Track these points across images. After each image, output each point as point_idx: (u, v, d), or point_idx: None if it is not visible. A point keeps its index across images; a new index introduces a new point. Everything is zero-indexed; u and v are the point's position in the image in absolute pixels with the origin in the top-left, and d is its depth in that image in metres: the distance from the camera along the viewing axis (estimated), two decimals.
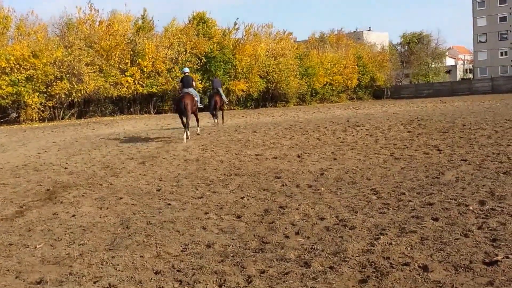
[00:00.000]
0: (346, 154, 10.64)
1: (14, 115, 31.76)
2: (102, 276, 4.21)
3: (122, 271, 4.32)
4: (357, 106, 37.33)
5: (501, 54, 73.44)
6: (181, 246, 4.92)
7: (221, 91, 20.84)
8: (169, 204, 6.77)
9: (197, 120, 16.49)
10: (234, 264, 4.31)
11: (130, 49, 35.56)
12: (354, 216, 5.61)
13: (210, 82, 25.82)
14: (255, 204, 6.58)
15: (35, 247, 5.13)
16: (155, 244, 4.99)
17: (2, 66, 28.91)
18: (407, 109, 27.49)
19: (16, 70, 29.29)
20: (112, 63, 34.06)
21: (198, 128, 16.46)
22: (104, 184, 8.57)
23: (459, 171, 8.01)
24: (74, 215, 6.43)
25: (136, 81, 35.05)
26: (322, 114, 27.09)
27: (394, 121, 17.72)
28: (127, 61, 35.02)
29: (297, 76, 44.34)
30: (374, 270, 4.00)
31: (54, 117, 32.14)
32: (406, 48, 72.76)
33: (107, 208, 6.74)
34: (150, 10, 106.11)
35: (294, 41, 49.68)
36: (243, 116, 28.42)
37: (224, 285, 3.89)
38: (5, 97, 29.27)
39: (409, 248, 4.43)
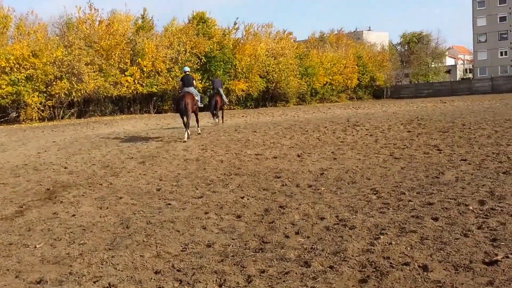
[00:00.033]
0: (346, 154, 10.64)
1: (14, 114, 31.77)
2: (102, 275, 4.21)
3: (122, 270, 4.32)
4: (357, 105, 37.33)
5: (501, 54, 73.43)
6: (181, 246, 4.92)
7: (221, 91, 20.85)
8: (169, 204, 6.77)
9: (197, 120, 16.47)
10: (234, 264, 4.31)
11: (130, 49, 35.57)
12: (354, 216, 5.61)
13: (211, 82, 25.80)
14: (255, 203, 6.58)
15: (35, 247, 5.13)
16: (155, 244, 4.99)
17: (2, 65, 28.92)
18: (407, 108, 27.49)
19: (16, 70, 29.29)
20: (112, 63, 34.07)
21: (199, 129, 16.45)
22: (104, 184, 8.57)
23: (459, 170, 8.01)
24: (74, 215, 6.43)
25: (136, 81, 35.06)
26: (322, 113, 27.09)
27: (394, 120, 17.72)
28: (127, 60, 35.03)
29: (297, 75, 44.36)
30: (374, 269, 4.00)
31: (54, 116, 32.15)
32: (406, 48, 72.79)
33: (107, 208, 6.74)
34: (150, 10, 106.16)
35: (294, 40, 49.71)
36: (243, 116, 28.42)
37: (224, 285, 3.89)
38: (5, 96, 29.28)
39: (409, 248, 4.43)
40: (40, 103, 30.55)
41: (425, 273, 3.85)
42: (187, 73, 16.38)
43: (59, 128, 24.50)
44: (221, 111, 21.18)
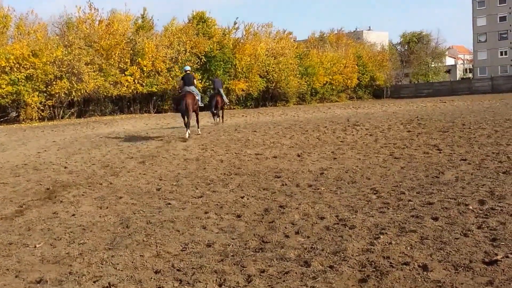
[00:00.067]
0: (346, 154, 10.64)
1: (13, 114, 31.78)
2: (102, 275, 4.21)
3: (122, 270, 4.32)
4: (357, 105, 37.34)
5: (501, 54, 73.43)
6: (181, 246, 4.92)
7: (222, 91, 20.88)
8: (169, 204, 6.77)
9: (198, 120, 16.45)
10: (234, 264, 4.31)
11: (130, 48, 35.57)
12: (354, 216, 5.61)
13: (211, 82, 25.82)
14: (255, 203, 6.58)
15: (35, 247, 5.13)
16: (155, 244, 4.98)
17: (2, 65, 28.93)
18: (407, 108, 27.49)
19: (15, 69, 29.30)
20: (112, 62, 34.07)
21: (199, 129, 16.43)
22: (104, 184, 8.57)
23: (458, 170, 8.01)
24: (74, 215, 6.43)
25: (136, 80, 35.06)
26: (322, 113, 27.09)
27: (394, 120, 17.72)
28: (127, 60, 35.03)
29: (297, 75, 44.37)
30: (374, 269, 4.00)
31: (53, 116, 32.15)
32: (406, 48, 72.81)
33: (107, 208, 6.74)
34: (150, 10, 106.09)
35: (294, 40, 49.72)
36: (243, 116, 28.42)
37: (224, 285, 3.89)
38: (5, 96, 29.29)
39: (409, 248, 4.43)
40: (40, 103, 30.55)
41: (425, 272, 3.85)
42: (188, 72, 16.38)
43: (59, 127, 24.50)
44: (221, 111, 21.21)
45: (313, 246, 4.64)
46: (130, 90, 34.97)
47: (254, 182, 8.04)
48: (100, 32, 34.57)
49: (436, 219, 5.27)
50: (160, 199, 7.14)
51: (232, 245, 4.84)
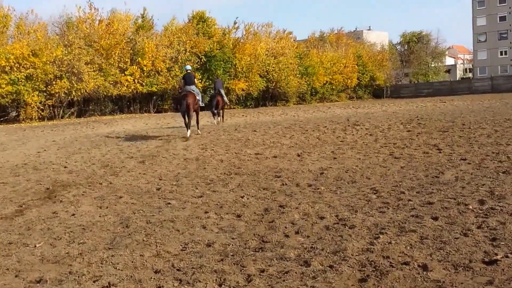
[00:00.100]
0: (346, 153, 10.64)
1: (13, 114, 31.80)
2: (101, 275, 4.21)
3: (121, 270, 4.32)
4: (357, 105, 37.33)
5: (501, 54, 73.43)
6: (181, 245, 4.92)
7: (222, 91, 20.90)
8: (169, 203, 6.77)
9: (198, 121, 16.43)
10: (234, 263, 4.31)
11: (129, 48, 35.58)
12: (354, 215, 5.61)
13: (212, 82, 25.87)
14: (255, 203, 6.58)
15: (35, 246, 5.13)
16: (154, 243, 4.98)
17: (2, 65, 28.93)
18: (406, 108, 27.49)
19: (15, 69, 29.30)
20: (112, 62, 34.07)
21: (198, 130, 16.41)
22: (104, 183, 8.57)
23: (458, 170, 8.01)
24: (73, 214, 6.43)
25: (135, 80, 35.06)
26: (322, 113, 27.09)
27: (393, 120, 17.72)
28: (126, 60, 35.04)
29: (297, 75, 44.38)
30: (374, 269, 4.00)
31: (53, 116, 32.15)
32: (406, 48, 72.84)
33: (107, 207, 6.74)
34: (150, 10, 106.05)
35: (294, 40, 49.71)
36: (243, 115, 28.42)
37: (224, 284, 3.89)
38: (5, 96, 29.29)
39: (408, 247, 4.43)
40: (40, 102, 30.55)
41: (424, 272, 3.86)
42: (189, 71, 16.37)
43: (59, 127, 24.50)
44: (221, 111, 21.24)
45: (313, 246, 4.64)
46: (130, 90, 34.96)
47: (254, 182, 8.04)
48: (100, 31, 34.57)
49: (436, 218, 5.27)
50: (160, 198, 7.14)
51: (232, 245, 4.84)
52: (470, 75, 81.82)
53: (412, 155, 9.86)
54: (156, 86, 35.88)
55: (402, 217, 5.42)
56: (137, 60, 35.45)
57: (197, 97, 15.65)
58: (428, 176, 7.69)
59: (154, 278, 4.08)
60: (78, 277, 4.18)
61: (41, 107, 30.71)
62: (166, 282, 3.98)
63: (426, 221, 5.19)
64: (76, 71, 31.43)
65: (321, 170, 8.82)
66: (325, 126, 16.63)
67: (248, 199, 6.82)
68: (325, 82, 48.50)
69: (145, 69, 35.38)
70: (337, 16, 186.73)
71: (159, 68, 35.88)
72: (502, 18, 72.44)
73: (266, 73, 42.13)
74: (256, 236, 5.07)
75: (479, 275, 3.77)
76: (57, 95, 31.29)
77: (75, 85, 31.35)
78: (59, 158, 12.18)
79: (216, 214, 6.05)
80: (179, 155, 11.63)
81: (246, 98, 41.55)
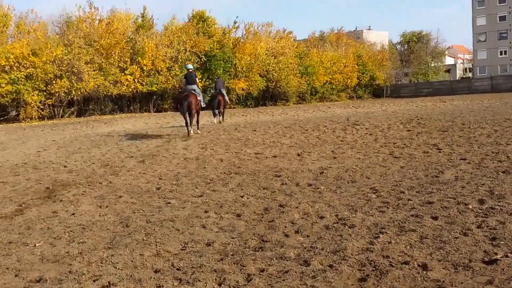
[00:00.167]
0: (346, 153, 10.64)
1: (13, 113, 31.79)
2: (101, 274, 4.21)
3: (121, 269, 4.32)
4: (356, 105, 37.33)
5: (501, 53, 73.43)
6: (181, 245, 4.92)
7: (223, 91, 20.91)
8: (169, 203, 6.77)
9: (198, 121, 16.42)
10: (233, 263, 4.31)
11: (129, 48, 35.57)
12: (354, 215, 5.61)
13: (214, 82, 25.90)
14: (255, 202, 6.58)
15: (35, 246, 5.13)
16: (154, 243, 4.99)
17: (2, 64, 28.93)
18: (406, 108, 27.49)
19: (15, 69, 29.30)
20: (112, 62, 34.07)
21: (198, 130, 16.40)
22: (104, 183, 8.57)
23: (458, 170, 8.01)
24: (73, 214, 6.43)
25: (135, 80, 35.06)
26: (322, 112, 27.09)
27: (393, 120, 17.72)
28: (126, 59, 35.03)
29: (297, 75, 44.38)
30: (374, 268, 4.00)
31: (53, 115, 32.15)
32: (406, 47, 72.87)
33: (107, 207, 6.74)
34: (150, 9, 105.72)
35: (294, 40, 49.69)
36: (243, 115, 28.43)
37: (224, 284, 3.89)
38: (5, 95, 29.29)
39: (408, 247, 4.43)
40: (40, 102, 30.56)
41: (424, 272, 3.86)
42: (191, 70, 16.35)
43: (58, 126, 24.50)
44: (222, 110, 21.25)
45: (313, 245, 4.64)
46: (130, 89, 34.96)
47: (254, 181, 8.04)
48: (100, 31, 34.57)
49: (435, 218, 5.27)
50: (160, 198, 7.14)
51: (232, 244, 4.84)
52: (470, 74, 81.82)
53: (412, 155, 9.86)
54: (156, 85, 35.87)
55: (402, 217, 5.42)
56: (137, 60, 35.44)
57: (199, 98, 15.65)
58: (428, 176, 7.69)
59: (154, 278, 4.08)
60: (78, 276, 4.19)
61: (41, 107, 30.72)
62: (166, 281, 3.98)
63: (426, 220, 5.19)
64: (76, 70, 31.43)
65: (321, 169, 8.82)
66: (325, 126, 16.63)
67: (248, 198, 6.82)
68: (325, 81, 48.50)
69: (145, 68, 35.37)
70: (337, 16, 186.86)
71: (159, 68, 35.87)
72: (502, 18, 72.44)
73: (266, 73, 42.13)
74: (256, 236, 5.08)
75: (479, 274, 3.77)
76: (57, 94, 31.29)
77: (75, 85, 31.35)
78: (59, 157, 12.18)
79: (216, 214, 6.05)
80: (179, 154, 11.63)
81: (246, 97, 41.55)
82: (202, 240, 5.02)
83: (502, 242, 4.39)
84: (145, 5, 43.58)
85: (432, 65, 72.73)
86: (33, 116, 30.30)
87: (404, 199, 6.25)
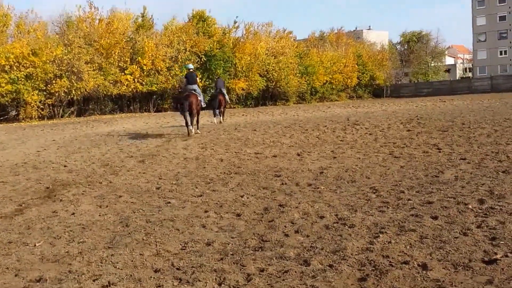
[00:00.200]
0: (346, 153, 10.64)
1: (13, 113, 31.78)
2: (101, 274, 4.21)
3: (121, 269, 4.32)
4: (356, 104, 37.33)
5: (501, 53, 73.45)
6: (181, 244, 4.92)
7: (224, 91, 20.92)
8: (169, 202, 6.77)
9: (198, 120, 16.42)
10: (233, 262, 4.31)
11: (129, 47, 35.55)
12: (354, 215, 5.61)
13: (214, 82, 25.91)
14: (255, 202, 6.58)
15: (35, 245, 5.13)
16: (154, 242, 4.99)
17: (2, 64, 28.92)
18: (406, 107, 27.49)
19: (15, 68, 29.29)
20: (112, 61, 34.06)
21: (198, 130, 16.40)
22: (104, 182, 8.57)
23: (458, 169, 8.01)
24: (73, 213, 6.43)
25: (135, 79, 35.05)
26: (322, 112, 27.09)
27: (393, 119, 17.72)
28: (126, 59, 35.02)
29: (297, 74, 44.37)
30: (374, 268, 4.00)
31: (53, 115, 32.13)
32: (406, 47, 72.85)
33: (107, 206, 6.74)
34: (150, 9, 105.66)
35: (294, 39, 49.69)
36: (243, 115, 28.42)
37: (224, 283, 3.89)
38: (5, 95, 29.27)
39: (408, 247, 4.43)
40: (40, 102, 30.54)
41: (424, 271, 3.86)
42: (191, 70, 16.34)
43: (58, 126, 24.50)
44: (223, 110, 21.26)
45: (313, 245, 4.64)
46: (130, 89, 34.95)
47: (253, 181, 8.04)
48: (100, 31, 34.56)
49: (435, 218, 5.27)
50: (159, 198, 7.14)
51: (232, 244, 4.84)
52: (470, 74, 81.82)
53: (412, 155, 9.86)
54: (156, 85, 35.87)
55: (401, 217, 5.42)
56: (137, 59, 35.43)
57: (199, 98, 15.65)
58: (428, 176, 7.69)
59: (153, 277, 4.08)
60: (78, 276, 4.19)
61: (41, 106, 30.70)
62: (165, 281, 3.98)
63: (425, 220, 5.19)
64: (76, 70, 31.41)
65: (321, 169, 8.82)
66: (325, 126, 16.63)
67: (248, 198, 6.82)
68: (325, 81, 48.48)
69: (145, 68, 35.37)
70: (337, 16, 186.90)
71: (159, 67, 35.86)
72: (502, 18, 72.45)
73: (266, 73, 42.12)
74: (256, 235, 5.08)
75: (478, 274, 3.77)
76: (57, 94, 31.28)
77: (75, 84, 31.34)
78: (59, 157, 12.18)
79: (216, 213, 6.05)
80: (179, 154, 11.63)
81: (246, 97, 41.55)
82: (202, 239, 5.02)
83: (502, 242, 4.40)
84: (145, 5, 43.63)
85: (432, 65, 72.73)
86: (33, 115, 30.29)
87: (404, 199, 6.26)
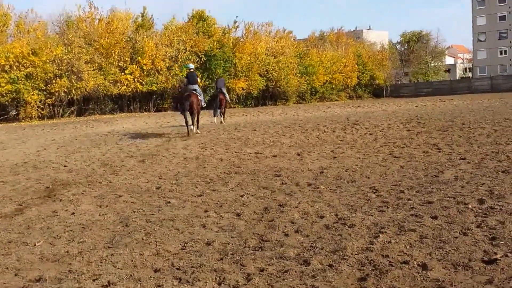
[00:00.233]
0: (346, 153, 10.64)
1: (13, 112, 31.73)
2: (101, 274, 4.21)
3: (121, 269, 4.32)
4: (356, 104, 37.33)
5: (501, 53, 73.44)
6: (181, 244, 4.92)
7: (225, 90, 20.92)
8: (169, 202, 6.77)
9: (198, 121, 16.41)
10: (233, 262, 4.31)
11: (129, 47, 35.53)
12: (354, 214, 5.61)
13: (214, 81, 25.92)
14: (255, 202, 6.58)
15: (34, 245, 5.13)
16: (154, 242, 4.99)
17: (2, 63, 28.89)
18: (406, 107, 27.49)
19: (15, 68, 29.27)
20: (112, 61, 34.03)
21: (198, 130, 16.39)
22: (104, 182, 8.57)
23: (458, 169, 8.02)
24: (73, 213, 6.43)
25: (135, 79, 35.02)
26: (322, 112, 27.09)
27: (393, 119, 17.73)
28: (126, 59, 34.99)
29: (297, 74, 44.36)
30: (373, 268, 4.00)
31: (53, 115, 32.11)
32: (406, 47, 72.80)
33: (107, 206, 6.74)
34: (150, 9, 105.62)
35: (294, 39, 49.65)
36: (243, 115, 28.42)
37: (224, 283, 3.89)
38: (5, 94, 29.25)
39: (408, 247, 4.43)
40: (40, 101, 30.52)
41: (424, 271, 3.86)
42: (192, 70, 16.35)
43: (58, 126, 24.49)
44: (224, 110, 21.25)
45: (313, 245, 4.64)
46: (130, 89, 34.93)
47: (253, 181, 8.04)
48: (100, 30, 34.54)
49: (435, 218, 5.27)
50: (159, 197, 7.14)
51: (232, 244, 4.84)
52: (470, 74, 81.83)
53: (412, 155, 9.86)
54: (156, 85, 35.85)
55: (401, 216, 5.42)
56: (137, 59, 35.41)
57: (200, 97, 15.66)
58: (428, 176, 7.70)
59: (153, 277, 4.08)
60: (78, 276, 4.19)
61: (41, 106, 30.68)
62: (165, 281, 3.98)
63: (425, 220, 5.19)
64: (76, 70, 31.40)
65: (320, 169, 8.82)
66: (325, 125, 16.63)
67: (247, 198, 6.82)
68: (325, 81, 48.47)
69: (145, 68, 35.35)
70: (337, 15, 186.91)
71: (159, 67, 35.84)
72: (502, 18, 72.45)
73: (266, 72, 42.11)
74: (256, 235, 5.08)
75: (478, 274, 3.77)
76: (57, 94, 31.26)
77: (75, 84, 31.32)
78: (59, 157, 12.18)
79: (216, 213, 6.05)
80: (179, 154, 11.63)
81: (246, 97, 41.53)
82: (202, 239, 5.02)
83: (501, 242, 4.40)
84: (145, 5, 43.63)
85: (432, 65, 72.70)
86: (33, 115, 30.27)
87: (404, 198, 6.26)
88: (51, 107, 31.89)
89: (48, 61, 30.38)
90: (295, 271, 4.01)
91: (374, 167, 8.73)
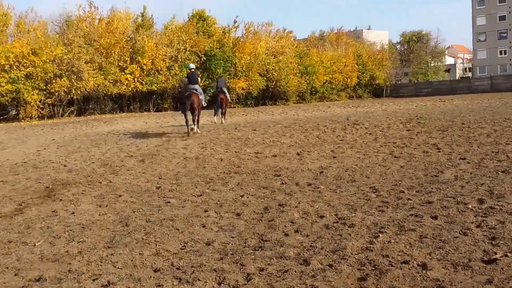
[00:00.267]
0: (346, 153, 10.64)
1: (13, 112, 31.74)
2: (101, 273, 4.21)
3: (121, 268, 4.32)
4: (356, 104, 37.33)
5: (500, 53, 73.45)
6: (181, 244, 4.92)
7: (225, 90, 20.92)
8: (169, 202, 6.77)
9: (198, 120, 16.39)
10: (233, 262, 4.31)
11: (129, 47, 35.54)
12: (353, 214, 5.61)
13: (215, 81, 25.91)
14: (255, 202, 6.58)
15: (34, 245, 5.13)
16: (154, 242, 4.98)
17: (2, 63, 28.90)
18: (406, 107, 27.49)
19: (15, 68, 29.27)
20: (112, 61, 34.04)
21: (198, 129, 16.39)
22: (104, 182, 8.57)
23: (458, 169, 8.02)
24: (73, 213, 6.42)
25: (135, 79, 35.03)
26: (322, 112, 27.09)
27: (393, 119, 17.73)
28: (126, 58, 35.00)
29: (297, 74, 44.37)
30: (373, 268, 4.00)
31: (53, 114, 32.12)
32: (406, 47, 72.77)
33: (106, 206, 6.74)
34: (150, 9, 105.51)
35: (294, 39, 49.66)
36: (243, 114, 28.42)
37: (224, 283, 3.89)
38: (5, 94, 29.26)
39: (408, 246, 4.43)
40: (40, 101, 30.53)
41: (424, 271, 3.86)
42: (193, 70, 16.35)
43: (58, 126, 24.49)
44: (224, 109, 21.25)
45: (313, 245, 4.64)
46: (130, 89, 34.94)
47: (253, 181, 8.04)
48: (99, 30, 34.54)
49: (435, 218, 5.27)
50: (159, 197, 7.14)
51: (232, 244, 4.84)
52: (470, 74, 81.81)
53: (412, 154, 9.86)
54: (156, 85, 35.86)
55: (401, 216, 5.42)
56: (137, 59, 35.42)
57: (200, 97, 15.67)
58: (428, 175, 7.70)
59: (153, 277, 4.08)
60: (78, 275, 4.18)
61: (41, 106, 30.69)
62: (165, 280, 3.98)
63: (425, 220, 5.19)
64: (76, 69, 31.40)
65: (320, 169, 8.82)
66: (325, 125, 16.63)
67: (247, 198, 6.82)
68: (325, 81, 48.48)
69: (145, 68, 35.35)
70: (337, 15, 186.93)
71: (159, 67, 35.85)
72: (502, 18, 72.46)
73: (266, 72, 42.12)
74: (256, 235, 5.08)
75: (478, 274, 3.77)
76: (57, 93, 31.27)
77: (75, 84, 31.33)
78: (59, 156, 12.18)
79: (216, 213, 6.05)
80: (179, 154, 11.63)
81: (246, 97, 41.55)
82: (202, 239, 5.02)
83: (501, 242, 4.40)
84: (145, 5, 43.61)
85: (432, 64, 72.68)
86: (33, 115, 30.27)
87: (404, 198, 6.26)
88: (51, 107, 31.89)
89: (48, 60, 30.38)
90: (295, 271, 4.01)
91: (374, 167, 8.73)
